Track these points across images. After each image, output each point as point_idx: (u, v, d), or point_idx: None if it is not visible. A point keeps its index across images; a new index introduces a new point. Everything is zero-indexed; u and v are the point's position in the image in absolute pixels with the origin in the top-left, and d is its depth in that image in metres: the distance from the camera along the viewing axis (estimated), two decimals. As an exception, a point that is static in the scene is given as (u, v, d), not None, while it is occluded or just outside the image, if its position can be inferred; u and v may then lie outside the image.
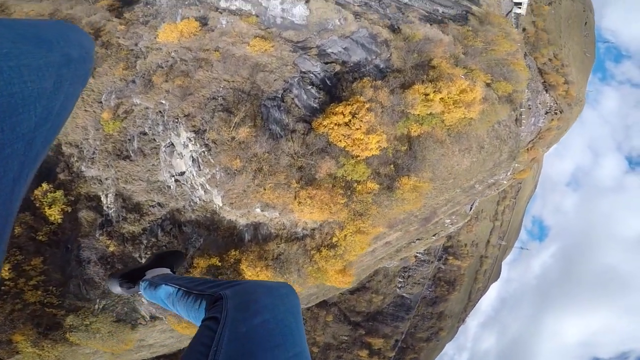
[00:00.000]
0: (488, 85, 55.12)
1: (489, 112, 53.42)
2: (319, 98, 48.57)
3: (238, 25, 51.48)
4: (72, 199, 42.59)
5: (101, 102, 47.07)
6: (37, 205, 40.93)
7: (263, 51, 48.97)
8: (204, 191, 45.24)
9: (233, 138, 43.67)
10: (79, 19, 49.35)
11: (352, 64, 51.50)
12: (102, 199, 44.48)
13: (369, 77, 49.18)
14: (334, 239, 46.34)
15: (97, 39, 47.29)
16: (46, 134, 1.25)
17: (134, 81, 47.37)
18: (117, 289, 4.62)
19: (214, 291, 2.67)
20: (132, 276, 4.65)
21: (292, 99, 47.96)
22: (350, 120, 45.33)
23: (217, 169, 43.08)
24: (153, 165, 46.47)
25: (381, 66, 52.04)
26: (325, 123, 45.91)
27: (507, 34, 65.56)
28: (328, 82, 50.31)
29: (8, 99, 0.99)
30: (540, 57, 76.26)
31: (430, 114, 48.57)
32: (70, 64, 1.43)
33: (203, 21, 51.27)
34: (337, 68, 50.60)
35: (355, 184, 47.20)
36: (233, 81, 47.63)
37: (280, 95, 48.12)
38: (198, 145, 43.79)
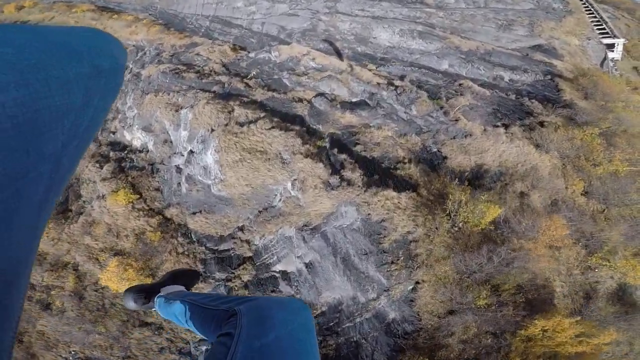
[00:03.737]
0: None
1: None
2: None
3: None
4: None
5: None
6: None
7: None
8: None
9: None
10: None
11: None
12: None
13: None
14: None
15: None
16: (73, 152, 0.76)
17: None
18: (131, 304, 2.65)
19: (228, 306, 1.66)
20: (146, 292, 2.68)
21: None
22: None
23: None
24: None
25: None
26: None
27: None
28: None
29: (34, 115, 0.60)
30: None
31: None
32: (100, 76, 0.82)
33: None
34: None
35: None
36: None
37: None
38: None
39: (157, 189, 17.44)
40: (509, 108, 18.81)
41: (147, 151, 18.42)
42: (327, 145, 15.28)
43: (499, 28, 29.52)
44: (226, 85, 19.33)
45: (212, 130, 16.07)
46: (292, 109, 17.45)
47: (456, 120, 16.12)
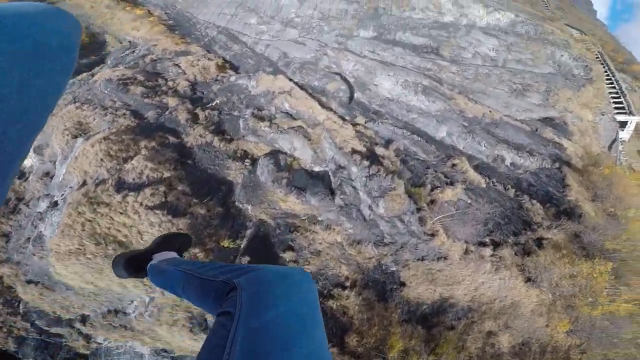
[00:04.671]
0: None
1: None
2: None
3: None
4: None
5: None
6: None
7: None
8: None
9: None
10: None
11: None
12: None
13: None
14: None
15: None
16: (17, 136, 0.60)
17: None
18: (123, 274, 1.94)
19: (226, 277, 1.24)
20: (138, 260, 2.00)
21: None
22: None
23: None
24: None
25: None
26: None
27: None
28: None
29: None
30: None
31: None
32: (45, 55, 0.63)
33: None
34: None
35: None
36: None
37: None
38: None
39: (6, 235, 11.57)
40: (505, 213, 12.97)
41: (27, 179, 12.85)
42: (243, 245, 9.59)
43: (512, 93, 23.13)
44: (165, 113, 13.62)
45: (84, 184, 10.41)
46: (223, 170, 11.50)
47: (432, 234, 10.52)
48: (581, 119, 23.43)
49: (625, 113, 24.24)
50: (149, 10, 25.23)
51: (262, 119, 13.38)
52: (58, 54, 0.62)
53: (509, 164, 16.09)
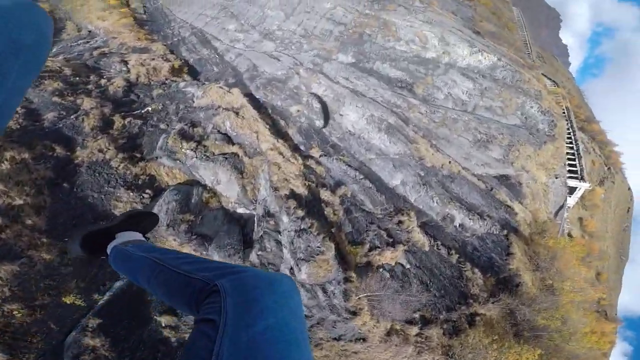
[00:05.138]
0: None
1: None
2: None
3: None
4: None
5: None
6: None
7: None
8: None
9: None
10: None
11: None
12: None
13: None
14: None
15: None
16: None
17: None
18: (77, 251, 1.43)
19: (206, 276, 1.10)
20: (98, 238, 1.54)
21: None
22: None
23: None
24: None
25: None
26: None
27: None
28: None
29: None
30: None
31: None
32: (20, 53, 0.58)
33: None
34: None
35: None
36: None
37: None
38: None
39: None
40: (442, 284, 11.84)
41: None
42: (102, 302, 7.01)
43: (475, 143, 22.35)
44: (70, 117, 10.72)
45: None
46: (110, 200, 8.25)
47: (355, 312, 9.08)
48: (535, 180, 22.85)
49: (577, 178, 23.94)
50: (126, 1, 22.49)
51: (189, 138, 11.26)
52: (32, 51, 0.56)
53: (457, 225, 15.09)
